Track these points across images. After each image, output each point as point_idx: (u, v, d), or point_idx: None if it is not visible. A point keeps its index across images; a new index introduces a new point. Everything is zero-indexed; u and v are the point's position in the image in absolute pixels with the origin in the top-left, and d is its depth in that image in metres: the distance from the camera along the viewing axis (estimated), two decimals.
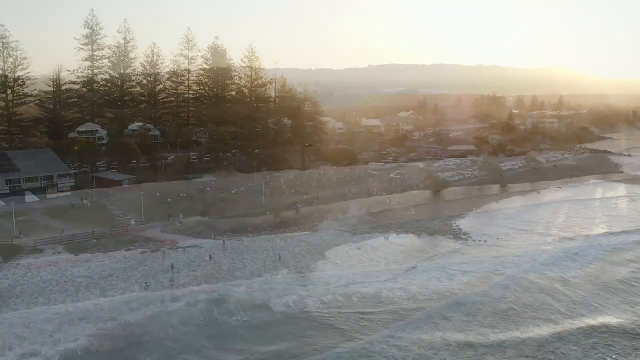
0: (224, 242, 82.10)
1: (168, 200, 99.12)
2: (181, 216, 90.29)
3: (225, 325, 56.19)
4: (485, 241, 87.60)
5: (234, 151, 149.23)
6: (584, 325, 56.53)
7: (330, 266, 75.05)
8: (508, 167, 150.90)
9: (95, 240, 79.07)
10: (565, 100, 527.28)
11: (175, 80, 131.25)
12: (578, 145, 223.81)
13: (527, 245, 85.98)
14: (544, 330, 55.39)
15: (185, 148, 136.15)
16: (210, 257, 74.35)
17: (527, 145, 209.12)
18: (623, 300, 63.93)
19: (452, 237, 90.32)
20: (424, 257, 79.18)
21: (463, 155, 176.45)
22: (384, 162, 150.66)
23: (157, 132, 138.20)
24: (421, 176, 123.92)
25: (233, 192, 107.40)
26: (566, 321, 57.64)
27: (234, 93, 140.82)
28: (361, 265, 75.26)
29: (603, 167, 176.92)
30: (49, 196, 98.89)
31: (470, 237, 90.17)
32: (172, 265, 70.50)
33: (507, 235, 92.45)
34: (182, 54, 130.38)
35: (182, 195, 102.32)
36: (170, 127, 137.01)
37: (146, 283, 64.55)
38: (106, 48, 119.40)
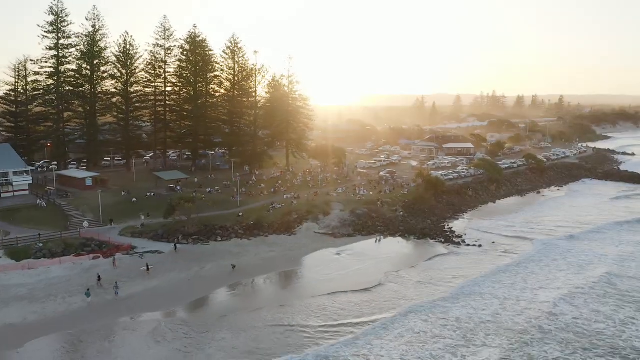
0: (175, 247, 73.43)
1: (133, 200, 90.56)
2: (142, 217, 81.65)
3: None
4: (480, 245, 79.07)
5: (216, 149, 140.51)
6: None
7: (305, 279, 66.51)
8: (507, 165, 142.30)
9: (41, 244, 70.38)
10: (565, 100, 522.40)
11: (151, 72, 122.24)
12: (580, 144, 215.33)
13: (525, 250, 77.42)
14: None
15: (165, 145, 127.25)
16: (148, 267, 65.14)
17: (527, 143, 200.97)
18: None
19: (443, 240, 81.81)
20: (407, 263, 70.51)
21: (459, 153, 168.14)
22: (375, 160, 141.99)
23: (139, 128, 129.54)
24: (413, 174, 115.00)
25: (207, 191, 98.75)
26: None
27: (215, 87, 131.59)
28: (336, 274, 66.58)
29: (606, 166, 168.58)
30: (3, 195, 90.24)
31: (463, 240, 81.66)
32: (99, 277, 61.07)
33: (503, 238, 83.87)
34: (157, 43, 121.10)
35: (148, 194, 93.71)
36: (149, 122, 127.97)
37: (87, 294, 55.72)
38: (73, 36, 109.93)
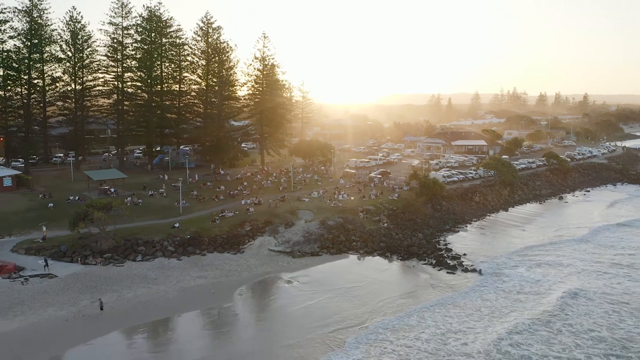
0: (45, 264, 55.41)
1: (49, 205, 72.96)
2: (44, 228, 63.77)
3: None
4: (479, 271, 59.68)
5: (183, 145, 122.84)
6: None
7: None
8: (524, 166, 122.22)
9: None
10: (589, 99, 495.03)
11: (108, 55, 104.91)
12: (608, 143, 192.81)
13: (542, 279, 57.76)
14: None
15: (121, 140, 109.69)
16: None
17: (548, 140, 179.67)
18: None
19: (433, 262, 62.54)
20: (376, 300, 51.35)
21: (470, 151, 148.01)
22: (369, 159, 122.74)
23: (96, 120, 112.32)
24: (408, 176, 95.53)
25: (149, 194, 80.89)
26: None
27: (188, 74, 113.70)
28: (268, 322, 47.95)
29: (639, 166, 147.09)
30: None
31: (460, 262, 62.41)
32: None
33: (514, 262, 64.22)
34: (112, 22, 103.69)
35: (71, 198, 76.04)
36: (105, 114, 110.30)
37: None
38: (6, 11, 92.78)
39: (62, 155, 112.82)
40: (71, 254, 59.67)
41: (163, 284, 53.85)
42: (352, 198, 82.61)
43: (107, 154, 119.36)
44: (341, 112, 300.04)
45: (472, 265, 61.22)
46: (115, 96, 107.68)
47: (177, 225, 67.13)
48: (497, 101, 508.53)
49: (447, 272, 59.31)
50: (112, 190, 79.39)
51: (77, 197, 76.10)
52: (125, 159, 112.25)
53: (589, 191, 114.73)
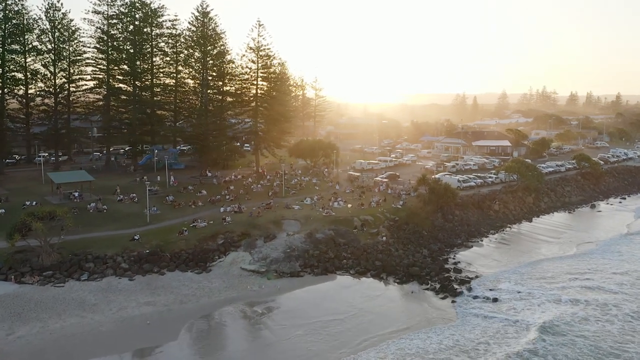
0: None
1: (0, 210, 64.19)
2: None
3: None
4: (495, 300, 48.49)
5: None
6: None
7: None
8: (552, 169, 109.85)
9: None
10: (623, 98, 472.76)
11: (95, 46, 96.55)
12: None
13: (572, 316, 46.30)
14: None
15: (107, 139, 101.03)
16: None
17: (579, 141, 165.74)
18: None
19: (438, 287, 51.63)
20: (357, 343, 40.57)
21: (492, 152, 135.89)
22: (378, 160, 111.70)
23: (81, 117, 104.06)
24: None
25: (117, 199, 71.64)
26: None
27: (186, 69, 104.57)
28: None
29: None
30: None
31: (469, 288, 51.30)
32: None
33: (539, 289, 52.75)
34: (96, 10, 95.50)
35: (27, 203, 67.06)
36: (84, 112, 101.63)
37: None
38: None
39: (46, 154, 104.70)
40: (6, 271, 50.65)
41: (101, 312, 44.21)
42: (350, 206, 71.97)
43: (97, 153, 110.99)
44: (360, 112, 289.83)
45: (483, 294, 50.04)
46: (100, 91, 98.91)
47: (137, 237, 57.53)
48: (525, 100, 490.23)
49: (452, 302, 48.35)
50: (77, 194, 70.25)
51: (34, 202, 67.16)
52: (114, 158, 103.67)
53: (624, 198, 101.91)
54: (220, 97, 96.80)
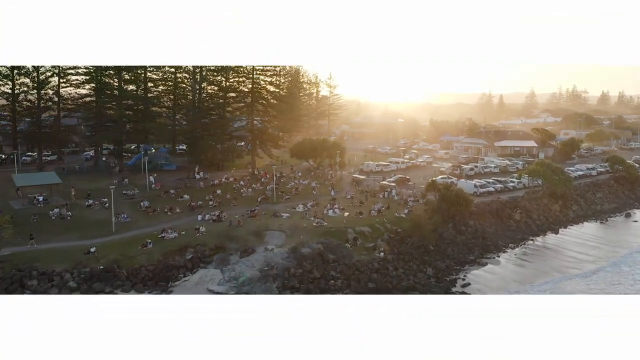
0: None
1: None
2: None
3: None
4: None
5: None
6: None
7: None
8: (581, 173, 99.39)
9: None
10: None
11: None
12: None
13: None
14: None
15: (93, 138, 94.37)
16: None
17: (612, 142, 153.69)
18: None
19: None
20: None
21: (516, 153, 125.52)
22: (389, 162, 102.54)
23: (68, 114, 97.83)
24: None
25: (86, 204, 64.29)
26: None
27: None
28: None
29: None
30: None
31: None
32: None
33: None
34: None
35: None
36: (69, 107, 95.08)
37: None
38: None
39: (34, 154, 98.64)
40: None
41: None
42: (347, 214, 63.30)
43: (87, 153, 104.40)
44: (379, 111, 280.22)
45: None
46: (86, 86, 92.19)
47: (92, 250, 49.85)
48: (554, 99, 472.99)
49: None
50: (41, 198, 63.13)
51: None
52: (104, 159, 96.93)
53: None
54: (213, 91, 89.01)
